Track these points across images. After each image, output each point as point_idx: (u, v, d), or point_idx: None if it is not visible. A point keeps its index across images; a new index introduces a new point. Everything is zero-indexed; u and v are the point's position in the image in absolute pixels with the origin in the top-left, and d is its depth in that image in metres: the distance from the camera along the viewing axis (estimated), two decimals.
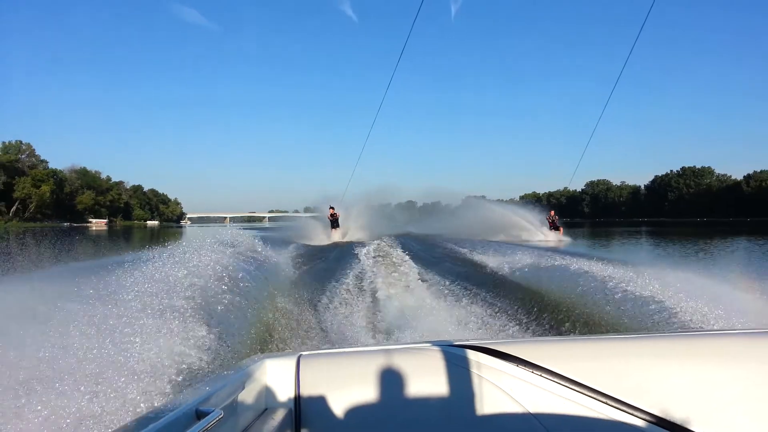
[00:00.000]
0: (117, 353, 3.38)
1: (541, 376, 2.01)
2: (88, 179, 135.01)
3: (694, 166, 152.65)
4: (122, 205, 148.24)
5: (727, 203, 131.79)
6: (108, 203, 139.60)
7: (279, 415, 1.88)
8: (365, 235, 26.08)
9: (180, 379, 3.32)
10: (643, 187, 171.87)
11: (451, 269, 12.96)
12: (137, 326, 3.80)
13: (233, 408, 1.69)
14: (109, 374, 3.13)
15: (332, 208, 29.21)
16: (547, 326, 7.24)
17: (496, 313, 8.06)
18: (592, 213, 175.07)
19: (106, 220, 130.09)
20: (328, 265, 14.06)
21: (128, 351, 3.42)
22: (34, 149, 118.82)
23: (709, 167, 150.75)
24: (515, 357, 2.04)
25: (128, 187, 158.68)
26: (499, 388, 1.99)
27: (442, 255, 16.79)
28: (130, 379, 3.12)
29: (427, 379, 2.02)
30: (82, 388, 2.98)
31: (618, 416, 1.95)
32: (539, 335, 6.76)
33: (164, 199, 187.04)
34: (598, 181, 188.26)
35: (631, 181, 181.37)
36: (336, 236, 27.11)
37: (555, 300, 7.99)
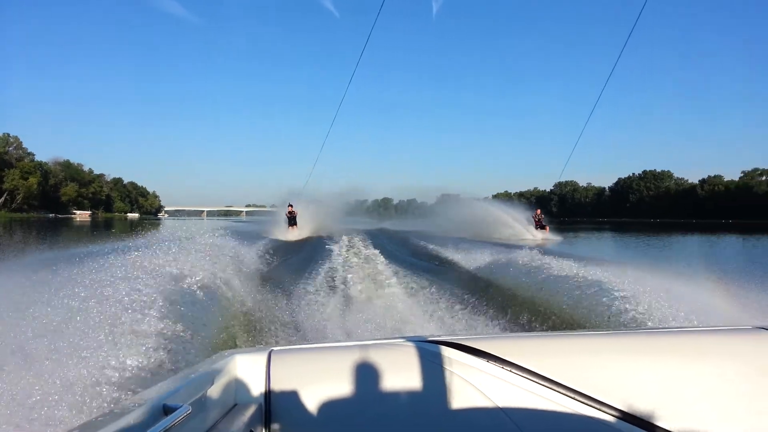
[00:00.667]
0: (78, 349, 3.42)
1: (510, 371, 2.04)
2: (71, 172, 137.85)
3: (655, 170, 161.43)
4: (104, 197, 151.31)
5: (683, 206, 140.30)
6: (90, 195, 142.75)
7: (248, 411, 1.87)
8: (317, 231, 26.17)
9: (147, 375, 3.34)
10: (607, 189, 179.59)
11: (426, 267, 13.37)
12: (99, 322, 3.84)
13: (202, 403, 1.66)
14: (72, 369, 3.19)
15: (291, 205, 28.99)
16: (518, 323, 7.34)
17: (468, 309, 8.12)
18: (559, 212, 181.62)
19: (89, 212, 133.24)
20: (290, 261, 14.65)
21: (91, 348, 3.46)
22: (21, 142, 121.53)
23: (668, 171, 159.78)
24: (486, 353, 2.07)
25: (109, 180, 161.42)
26: (469, 384, 2.02)
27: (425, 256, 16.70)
28: (97, 373, 3.19)
29: (398, 375, 2.03)
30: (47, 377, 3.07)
31: (586, 411, 1.98)
32: (510, 332, 6.86)
33: (143, 192, 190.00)
34: (566, 182, 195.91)
35: (598, 183, 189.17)
36: (291, 235, 26.30)
37: (526, 298, 8.18)
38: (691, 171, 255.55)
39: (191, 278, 5.91)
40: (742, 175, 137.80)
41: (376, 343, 2.16)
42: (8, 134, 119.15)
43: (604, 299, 6.50)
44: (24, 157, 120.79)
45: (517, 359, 2.05)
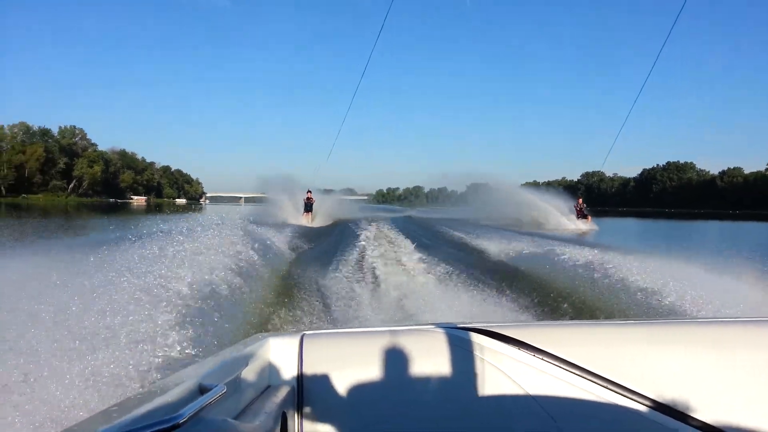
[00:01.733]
0: (121, 326, 3.63)
1: (542, 359, 2.04)
2: (127, 160, 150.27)
3: (678, 161, 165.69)
4: (155, 184, 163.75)
5: (704, 196, 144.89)
6: (144, 182, 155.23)
7: (282, 393, 1.90)
8: (334, 218, 27.41)
9: (183, 356, 3.47)
10: (632, 180, 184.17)
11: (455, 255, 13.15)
12: (138, 302, 4.08)
13: (236, 384, 1.70)
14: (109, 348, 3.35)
15: (309, 192, 30.05)
16: (549, 311, 7.34)
17: (500, 297, 8.01)
18: (586, 202, 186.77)
19: (145, 198, 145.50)
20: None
21: (132, 324, 3.67)
22: (85, 133, 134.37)
23: (691, 162, 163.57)
24: (517, 340, 2.07)
25: (158, 168, 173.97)
26: (500, 371, 2.02)
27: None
28: (133, 351, 3.36)
29: (428, 361, 2.05)
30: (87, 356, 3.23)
31: (618, 400, 1.98)
32: (541, 320, 6.87)
33: (188, 179, 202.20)
34: (593, 172, 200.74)
35: (625, 173, 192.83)
36: (304, 220, 27.16)
37: (557, 287, 8.29)
38: (719, 162, 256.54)
39: (224, 264, 6.07)
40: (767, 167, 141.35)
41: (406, 329, 2.19)
42: (74, 126, 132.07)
43: (650, 299, 6.60)
44: (88, 147, 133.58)
45: (548, 347, 2.05)
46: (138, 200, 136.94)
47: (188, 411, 1.18)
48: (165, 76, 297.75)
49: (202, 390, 1.45)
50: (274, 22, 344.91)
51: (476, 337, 2.10)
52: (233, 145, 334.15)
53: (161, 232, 7.56)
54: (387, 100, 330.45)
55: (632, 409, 1.98)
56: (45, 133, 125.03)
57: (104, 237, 11.46)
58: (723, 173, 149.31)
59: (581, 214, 31.18)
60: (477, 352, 2.06)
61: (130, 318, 3.84)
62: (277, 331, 4.55)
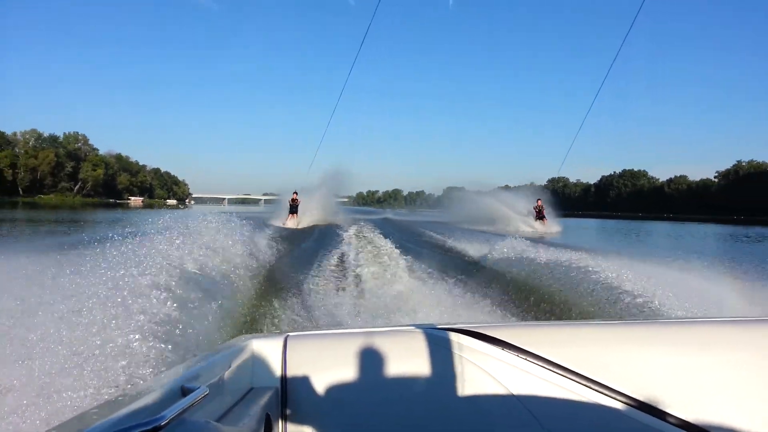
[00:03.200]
0: (98, 332, 3.51)
1: (525, 359, 2.05)
2: (123, 163, 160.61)
3: (632, 169, 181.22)
4: (148, 185, 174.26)
5: (654, 202, 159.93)
6: (139, 184, 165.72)
7: (265, 394, 1.89)
8: (318, 221, 27.53)
9: (163, 359, 3.38)
10: (592, 185, 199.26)
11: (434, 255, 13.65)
12: (115, 306, 3.93)
13: (219, 386, 1.68)
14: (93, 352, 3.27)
15: (295, 193, 29.88)
16: (531, 312, 7.50)
17: (482, 299, 8.21)
18: (551, 206, 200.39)
19: (141, 198, 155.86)
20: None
21: (107, 331, 3.55)
22: (87, 138, 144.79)
23: (643, 170, 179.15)
24: (500, 340, 2.07)
25: (149, 170, 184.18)
26: (483, 371, 2.03)
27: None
28: (115, 357, 3.26)
29: (412, 361, 2.05)
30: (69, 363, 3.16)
31: (600, 399, 2.00)
32: (523, 320, 6.97)
33: (176, 181, 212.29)
34: (559, 178, 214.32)
35: (589, 179, 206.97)
36: (290, 222, 27.39)
37: (539, 288, 8.46)
38: (685, 168, 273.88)
39: (205, 264, 5.94)
40: (716, 174, 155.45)
41: (391, 330, 2.20)
42: (77, 132, 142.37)
43: (605, 291, 7.22)
44: (90, 151, 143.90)
45: (531, 347, 2.06)
46: (135, 200, 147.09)
47: (170, 413, 1.18)
48: (149, 76, 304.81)
49: (184, 392, 1.43)
50: (260, 26, 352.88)
51: (460, 338, 2.10)
52: (217, 147, 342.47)
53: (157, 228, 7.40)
54: (371, 104, 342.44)
55: (615, 408, 1.99)
56: (54, 139, 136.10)
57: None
58: (670, 181, 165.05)
59: (539, 216, 31.92)
60: (460, 353, 2.07)
61: (110, 319, 3.79)
62: (261, 332, 4.78)
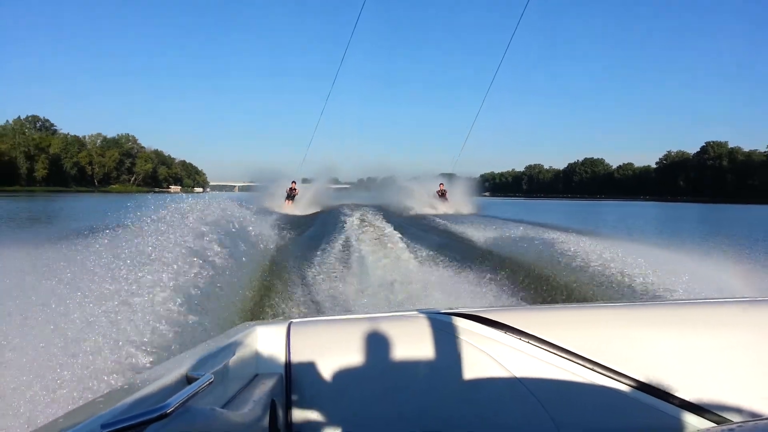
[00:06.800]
0: (109, 322, 3.55)
1: (527, 342, 2.06)
2: (161, 158, 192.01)
3: (593, 157, 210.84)
4: (179, 176, 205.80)
5: (606, 186, 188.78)
6: (174, 175, 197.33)
7: (270, 381, 1.91)
8: (314, 207, 29.29)
9: (169, 347, 3.39)
10: (561, 171, 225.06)
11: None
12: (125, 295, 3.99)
13: (224, 373, 1.69)
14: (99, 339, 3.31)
15: (294, 182, 32.30)
16: (531, 294, 7.55)
17: (483, 282, 8.21)
18: (528, 189, 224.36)
19: (180, 187, 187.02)
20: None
21: (118, 321, 3.59)
22: (136, 138, 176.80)
23: (601, 159, 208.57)
24: (502, 324, 2.08)
25: (178, 162, 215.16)
26: (487, 355, 2.04)
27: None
28: (120, 344, 3.31)
29: (415, 346, 2.06)
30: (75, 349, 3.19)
31: (603, 382, 2.01)
32: (525, 303, 7.00)
33: (197, 171, 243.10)
34: (535, 165, 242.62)
35: (561, 165, 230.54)
36: (286, 208, 28.77)
37: (539, 270, 8.61)
38: (630, 156, 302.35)
39: (208, 251, 5.94)
40: (657, 161, 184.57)
41: (392, 315, 2.21)
42: (128, 134, 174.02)
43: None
44: (139, 149, 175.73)
45: (533, 330, 2.07)
46: (174, 188, 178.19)
47: (175, 400, 1.18)
48: (161, 67, 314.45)
49: (189, 380, 1.45)
50: (260, 13, 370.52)
51: (462, 322, 2.11)
52: (229, 137, 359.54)
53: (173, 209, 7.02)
54: (371, 89, 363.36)
55: (619, 390, 2.01)
56: (116, 141, 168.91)
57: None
58: (619, 167, 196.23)
59: (442, 197, 33.90)
60: (463, 337, 2.07)
61: (116, 307, 3.82)
62: (264, 319, 4.65)
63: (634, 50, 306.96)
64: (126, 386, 1.35)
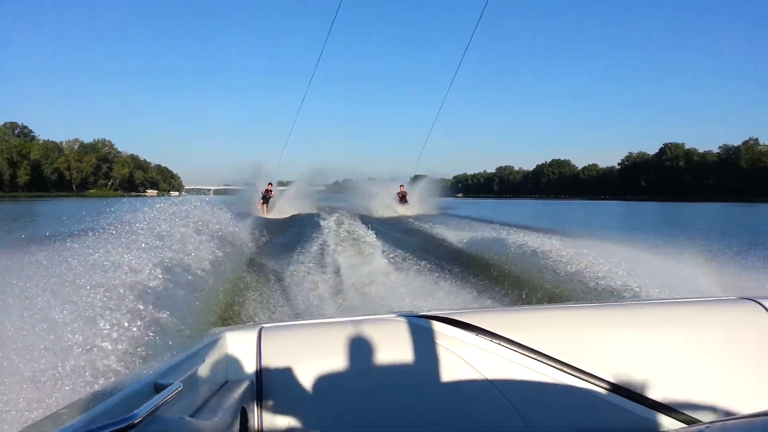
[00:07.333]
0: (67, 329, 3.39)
1: (499, 344, 2.07)
2: (137, 162, 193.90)
3: (560, 158, 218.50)
4: (155, 180, 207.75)
5: (571, 186, 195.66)
6: (150, 179, 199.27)
7: (240, 387, 1.87)
8: (291, 211, 27.90)
9: (136, 355, 3.29)
10: (530, 172, 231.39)
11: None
12: (85, 301, 3.79)
13: (193, 381, 1.66)
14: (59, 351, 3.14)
15: (270, 184, 31.30)
16: (502, 295, 7.53)
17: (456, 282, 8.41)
18: (500, 190, 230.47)
19: (156, 191, 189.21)
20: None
21: (77, 327, 3.42)
22: (113, 143, 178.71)
23: (567, 160, 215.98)
24: (475, 327, 2.09)
25: (153, 166, 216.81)
26: (460, 358, 2.04)
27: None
28: (83, 355, 3.14)
29: (388, 350, 2.06)
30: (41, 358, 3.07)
31: (573, 382, 2.03)
32: (499, 305, 7.06)
33: (172, 174, 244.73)
34: (506, 166, 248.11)
35: (531, 166, 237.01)
36: (260, 211, 28.38)
37: (509, 272, 8.61)
38: (595, 157, 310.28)
39: (177, 256, 5.75)
40: (620, 162, 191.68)
41: (365, 319, 2.19)
42: (104, 139, 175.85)
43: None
44: (116, 154, 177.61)
45: (506, 332, 2.09)
46: (151, 192, 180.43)
47: (143, 410, 1.15)
48: (135, 71, 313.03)
49: (157, 388, 1.42)
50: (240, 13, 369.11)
51: (435, 325, 2.11)
52: (203, 140, 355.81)
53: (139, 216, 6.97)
54: (343, 91, 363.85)
55: (589, 390, 2.03)
56: (93, 146, 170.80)
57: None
58: (584, 168, 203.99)
59: (403, 200, 33.77)
60: (436, 340, 2.08)
61: (76, 314, 3.66)
62: (235, 324, 4.64)
63: (603, 53, 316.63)
64: (91, 396, 1.32)
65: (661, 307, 2.38)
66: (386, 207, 31.85)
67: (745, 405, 2.03)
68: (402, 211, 31.39)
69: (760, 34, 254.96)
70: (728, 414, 2.02)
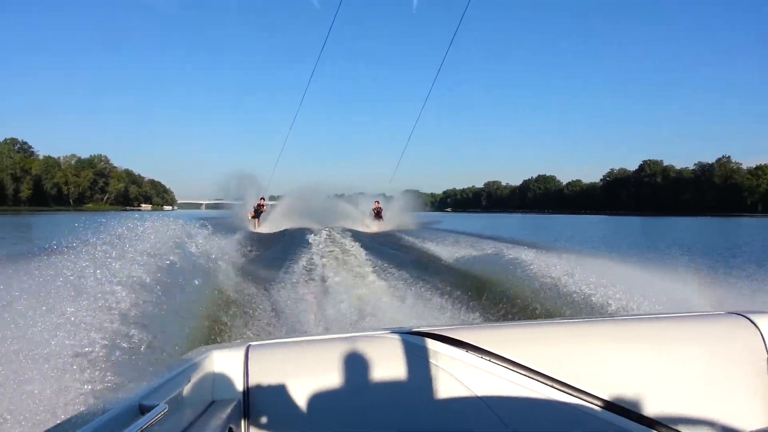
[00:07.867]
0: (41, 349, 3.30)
1: (489, 361, 2.05)
2: (131, 177, 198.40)
3: (545, 174, 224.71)
4: (149, 194, 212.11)
5: (556, 202, 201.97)
6: (143, 194, 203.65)
7: (227, 407, 1.85)
8: (282, 225, 27.81)
9: (121, 374, 3.22)
10: (517, 187, 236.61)
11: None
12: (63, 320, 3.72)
13: (179, 401, 1.63)
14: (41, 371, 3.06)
15: (263, 199, 31.38)
16: (491, 311, 7.47)
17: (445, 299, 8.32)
18: (488, 205, 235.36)
19: (150, 205, 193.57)
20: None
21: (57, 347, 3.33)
22: (108, 158, 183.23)
23: (553, 176, 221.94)
24: (465, 343, 2.08)
25: (146, 180, 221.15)
26: (449, 374, 2.02)
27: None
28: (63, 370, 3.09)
29: (378, 367, 2.03)
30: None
31: (564, 399, 2.02)
32: (489, 321, 6.96)
33: (165, 189, 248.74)
34: (493, 182, 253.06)
35: (518, 181, 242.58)
36: (251, 225, 28.32)
37: (502, 287, 8.47)
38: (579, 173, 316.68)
39: (165, 269, 5.69)
40: (602, 178, 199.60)
41: (354, 336, 2.17)
42: (101, 155, 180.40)
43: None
44: (111, 168, 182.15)
45: (494, 348, 2.07)
46: (145, 206, 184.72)
47: None
48: (130, 85, 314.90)
49: (142, 410, 1.39)
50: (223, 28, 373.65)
51: (425, 342, 2.09)
52: (197, 155, 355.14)
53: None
54: (336, 107, 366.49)
55: (579, 407, 2.01)
56: (90, 162, 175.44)
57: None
58: (568, 184, 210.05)
59: (378, 216, 33.44)
60: (426, 357, 2.06)
61: (61, 332, 3.58)
62: (222, 342, 4.47)
63: (589, 73, 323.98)
64: (75, 418, 1.28)
65: (650, 322, 2.37)
66: (359, 224, 31.36)
67: (735, 420, 2.06)
68: (374, 227, 31.18)
69: (734, 58, 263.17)
70: (718, 429, 2.04)
